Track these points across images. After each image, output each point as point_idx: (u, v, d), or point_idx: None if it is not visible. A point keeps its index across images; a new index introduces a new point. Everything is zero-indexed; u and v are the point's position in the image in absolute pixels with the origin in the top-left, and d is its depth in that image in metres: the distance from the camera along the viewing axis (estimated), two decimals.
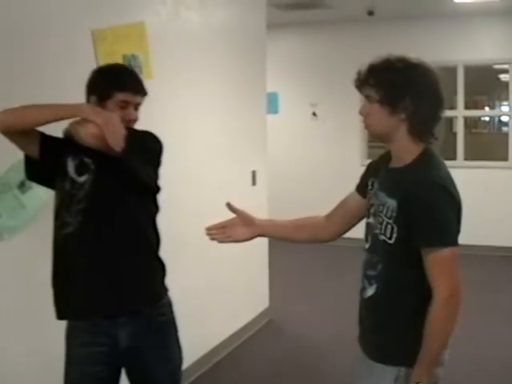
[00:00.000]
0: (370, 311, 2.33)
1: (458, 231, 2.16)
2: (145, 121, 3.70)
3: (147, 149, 2.55)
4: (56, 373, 3.33)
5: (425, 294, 2.11)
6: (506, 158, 8.85)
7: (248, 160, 5.64)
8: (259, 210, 5.88)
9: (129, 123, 2.50)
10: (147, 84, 3.85)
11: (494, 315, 6.15)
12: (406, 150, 2.20)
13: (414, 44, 8.60)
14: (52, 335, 3.26)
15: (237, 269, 5.25)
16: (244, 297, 5.48)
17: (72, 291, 2.53)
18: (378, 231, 2.22)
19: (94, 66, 3.48)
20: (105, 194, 2.51)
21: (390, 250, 2.17)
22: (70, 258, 2.53)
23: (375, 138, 2.33)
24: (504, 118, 9.96)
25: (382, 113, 2.17)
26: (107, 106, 2.48)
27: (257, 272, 5.86)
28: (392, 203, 2.15)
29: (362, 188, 2.46)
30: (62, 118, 2.38)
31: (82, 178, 2.49)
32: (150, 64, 3.91)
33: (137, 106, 2.55)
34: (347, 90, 10.42)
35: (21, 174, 3.03)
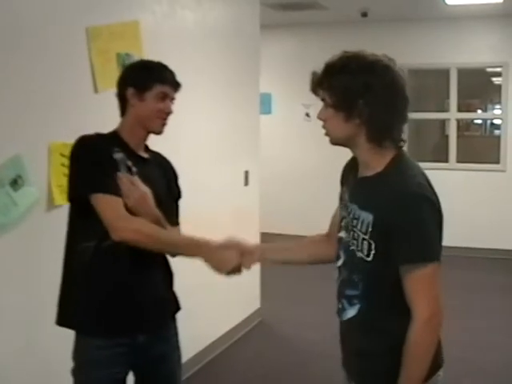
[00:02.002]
0: (352, 333, 2.14)
1: (440, 245, 2.00)
2: None
3: None
4: (49, 373, 3.34)
5: (410, 314, 1.96)
6: (497, 161, 8.87)
7: (241, 160, 5.64)
8: (251, 211, 5.90)
9: (167, 115, 2.55)
10: None
11: (489, 318, 6.17)
12: (373, 157, 2.04)
13: (408, 46, 8.65)
14: (45, 336, 3.27)
15: None
16: (235, 297, 5.48)
17: (120, 306, 2.48)
18: (354, 247, 2.04)
19: (88, 64, 3.51)
20: None
21: (369, 267, 1.99)
22: (113, 273, 2.47)
23: (336, 144, 2.11)
24: (496, 121, 10.00)
25: (337, 118, 2.02)
26: (146, 97, 2.51)
27: (248, 273, 5.83)
28: (367, 217, 1.98)
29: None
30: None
31: None
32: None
33: (172, 100, 2.59)
34: None
35: (13, 171, 3.03)
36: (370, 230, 1.97)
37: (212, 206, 4.94)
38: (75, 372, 2.53)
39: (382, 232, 1.95)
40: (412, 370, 1.96)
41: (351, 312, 2.09)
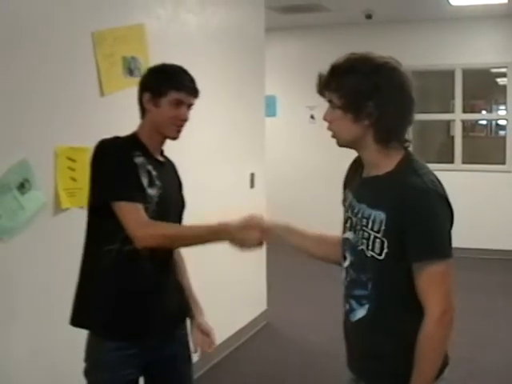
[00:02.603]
0: (362, 334, 2.12)
1: (451, 241, 2.01)
2: None
3: None
4: (59, 373, 3.35)
5: (421, 312, 1.96)
6: (503, 162, 8.87)
7: (246, 162, 5.65)
8: (258, 213, 5.89)
9: (182, 122, 2.55)
10: None
11: (492, 319, 6.17)
12: (381, 158, 2.05)
13: (412, 47, 8.66)
14: (55, 336, 3.29)
15: (234, 271, 5.25)
16: (241, 299, 5.48)
17: (137, 310, 2.50)
18: (363, 247, 2.03)
19: (94, 68, 3.52)
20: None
21: (381, 266, 1.99)
22: (133, 276, 2.49)
23: (343, 145, 2.11)
24: (501, 122, 9.98)
25: (345, 119, 2.02)
26: (161, 103, 2.51)
27: (254, 275, 5.86)
28: (379, 215, 1.99)
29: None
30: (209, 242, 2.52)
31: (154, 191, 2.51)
32: (149, 66, 3.91)
33: (189, 106, 2.59)
34: None
35: (20, 176, 3.05)
36: (383, 228, 1.97)
37: (218, 208, 4.94)
38: (88, 373, 2.53)
39: (395, 229, 1.95)
40: (424, 366, 1.96)
41: (361, 312, 2.08)
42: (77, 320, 2.53)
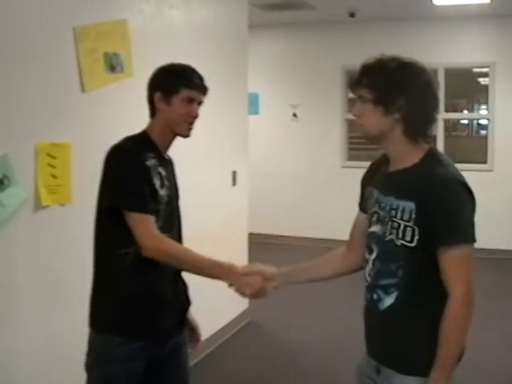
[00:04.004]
0: (390, 321, 2.20)
1: (474, 227, 2.16)
2: (125, 119, 3.70)
3: None
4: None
5: (444, 297, 2.07)
6: (485, 161, 8.93)
7: (229, 160, 5.64)
8: (239, 211, 5.89)
9: (193, 119, 2.62)
10: (127, 83, 3.85)
11: (481, 318, 6.17)
12: (407, 151, 2.16)
13: (395, 46, 8.60)
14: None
15: None
16: (224, 297, 5.44)
17: (159, 309, 2.58)
18: (392, 237, 2.14)
19: (75, 64, 3.49)
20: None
21: (412, 253, 2.10)
22: (149, 278, 2.54)
23: (370, 139, 2.23)
24: (483, 121, 10.05)
25: (375, 113, 2.13)
26: (172, 101, 2.56)
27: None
28: (408, 205, 2.09)
29: (364, 205, 2.37)
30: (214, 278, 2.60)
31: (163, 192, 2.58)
32: (132, 62, 3.89)
33: (199, 104, 2.65)
34: (328, 91, 10.49)
35: (0, 172, 3.01)
36: (413, 216, 2.08)
37: (200, 205, 4.93)
38: (92, 366, 2.55)
39: (424, 216, 2.06)
40: (450, 345, 2.06)
41: (388, 301, 2.17)
42: (96, 324, 2.56)
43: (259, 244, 7.51)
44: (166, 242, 2.48)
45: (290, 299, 6.70)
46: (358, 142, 9.55)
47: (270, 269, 2.63)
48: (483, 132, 9.94)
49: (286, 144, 9.65)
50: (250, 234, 6.22)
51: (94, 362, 2.55)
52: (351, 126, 9.43)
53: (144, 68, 3.98)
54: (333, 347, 5.43)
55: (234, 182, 5.73)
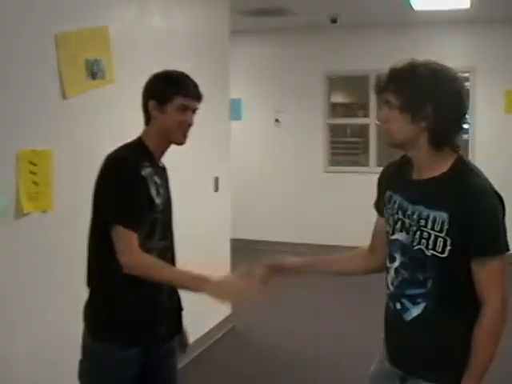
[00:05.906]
0: (419, 332, 2.16)
1: (507, 237, 2.11)
2: (106, 125, 3.69)
3: None
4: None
5: (478, 306, 2.07)
6: None
7: (211, 166, 5.63)
8: (222, 217, 5.88)
9: (188, 127, 2.62)
10: (109, 89, 3.84)
11: None
12: (434, 159, 2.11)
13: (376, 51, 8.72)
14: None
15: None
16: (207, 303, 5.45)
17: (158, 316, 2.61)
18: (421, 247, 2.09)
19: (56, 70, 3.47)
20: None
21: (443, 264, 2.06)
22: (152, 286, 2.53)
23: (395, 145, 2.18)
24: (464, 126, 10.11)
25: (401, 120, 2.09)
26: (167, 109, 2.55)
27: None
28: (440, 215, 2.04)
29: (381, 206, 2.33)
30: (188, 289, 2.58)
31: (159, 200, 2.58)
32: (113, 69, 3.88)
33: (194, 111, 2.64)
34: (310, 96, 10.52)
35: None
36: (445, 227, 2.03)
37: (181, 211, 4.91)
38: (85, 374, 2.55)
39: (458, 227, 2.02)
40: (484, 354, 2.06)
41: (415, 311, 2.14)
42: (93, 331, 2.55)
43: (242, 249, 7.50)
44: (143, 259, 2.45)
45: (274, 305, 6.69)
46: (340, 147, 9.61)
47: (288, 259, 2.63)
48: (464, 136, 10.00)
49: (269, 149, 9.65)
50: (233, 240, 6.22)
51: (89, 369, 2.54)
52: (333, 131, 9.50)
53: (125, 74, 4.00)
54: (317, 353, 5.43)
55: (217, 188, 5.72)
